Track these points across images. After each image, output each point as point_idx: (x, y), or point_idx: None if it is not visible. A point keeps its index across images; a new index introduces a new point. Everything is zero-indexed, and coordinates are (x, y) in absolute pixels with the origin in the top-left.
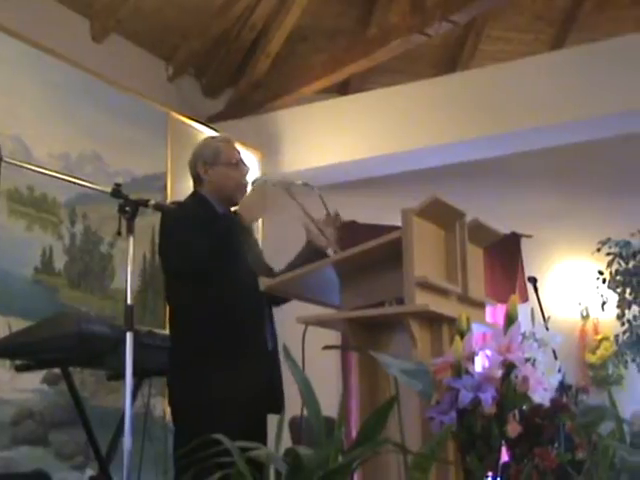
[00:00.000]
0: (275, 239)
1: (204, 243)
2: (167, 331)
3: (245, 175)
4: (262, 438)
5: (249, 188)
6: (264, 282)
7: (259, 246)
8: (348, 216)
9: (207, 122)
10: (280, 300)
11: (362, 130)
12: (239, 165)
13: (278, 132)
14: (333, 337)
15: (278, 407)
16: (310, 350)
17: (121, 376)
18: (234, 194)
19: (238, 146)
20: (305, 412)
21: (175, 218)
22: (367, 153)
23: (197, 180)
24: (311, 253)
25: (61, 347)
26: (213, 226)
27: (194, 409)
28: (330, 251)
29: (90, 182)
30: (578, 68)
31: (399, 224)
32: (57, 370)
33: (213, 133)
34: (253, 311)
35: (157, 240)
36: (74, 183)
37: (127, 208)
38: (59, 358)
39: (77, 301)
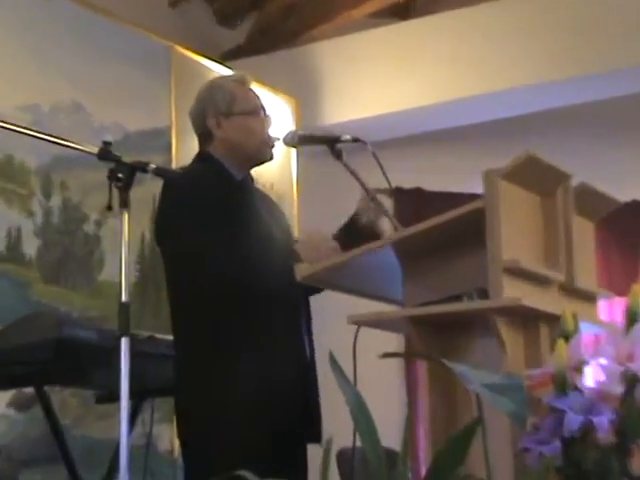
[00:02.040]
0: (312, 216)
1: (223, 252)
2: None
3: (268, 125)
4: (300, 476)
5: (277, 144)
6: (301, 270)
7: (286, 221)
8: (412, 182)
9: (222, 59)
10: (314, 289)
11: (429, 67)
12: (259, 112)
13: (317, 71)
14: (394, 342)
15: (317, 434)
16: (364, 359)
17: (114, 397)
18: (257, 152)
19: (257, 88)
20: (358, 441)
21: (183, 189)
22: (435, 98)
23: (205, 136)
24: (354, 233)
25: (34, 359)
26: (234, 208)
27: (209, 439)
28: (384, 228)
29: (69, 141)
30: None
31: (480, 191)
32: (29, 390)
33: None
34: (286, 308)
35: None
36: (49, 141)
37: (120, 174)
38: (32, 374)
39: (54, 299)
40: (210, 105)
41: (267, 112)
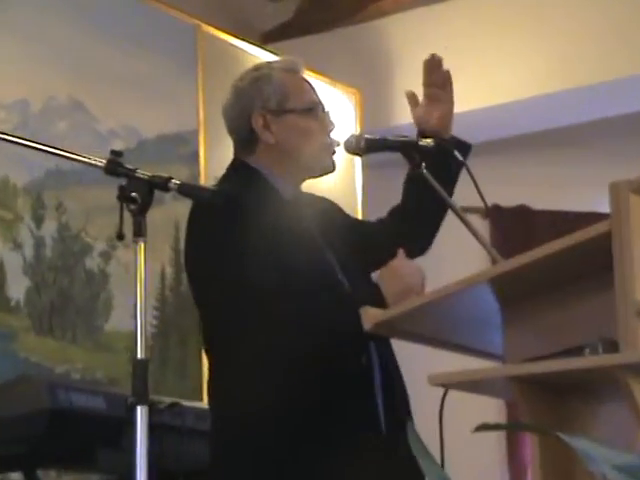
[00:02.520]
0: None
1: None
2: (206, 402)
3: (330, 127)
4: None
5: (338, 150)
6: (369, 315)
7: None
8: (513, 197)
9: (263, 41)
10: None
11: (537, 47)
12: (318, 109)
13: (385, 55)
14: (492, 409)
15: None
16: (453, 432)
17: None
18: (315, 161)
19: (309, 77)
20: None
21: (219, 215)
22: (544, 88)
23: (246, 141)
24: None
25: (22, 436)
26: (286, 241)
27: None
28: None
29: (67, 150)
30: None
31: (604, 209)
32: (16, 476)
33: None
34: (355, 366)
35: (184, 247)
36: (40, 151)
37: (133, 193)
38: (19, 455)
39: (48, 355)
40: (256, 100)
41: (326, 109)
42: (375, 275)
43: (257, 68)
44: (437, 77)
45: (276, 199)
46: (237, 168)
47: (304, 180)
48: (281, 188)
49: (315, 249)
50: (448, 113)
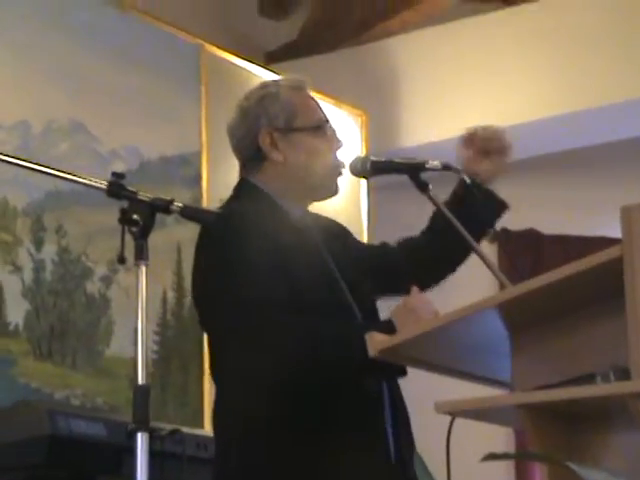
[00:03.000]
0: None
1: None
2: (209, 430)
3: (338, 145)
4: None
5: (344, 171)
6: (374, 341)
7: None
8: (522, 221)
9: (267, 61)
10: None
11: (545, 70)
12: (325, 128)
13: (391, 75)
14: (501, 438)
15: None
16: (461, 461)
17: None
18: (323, 181)
19: (315, 98)
20: None
21: (226, 239)
22: (551, 110)
23: (252, 161)
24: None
25: (22, 461)
26: (297, 265)
27: None
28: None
29: (68, 172)
30: None
31: (615, 234)
32: None
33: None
34: (363, 394)
35: (190, 272)
36: (41, 172)
37: (135, 216)
38: None
39: (47, 381)
40: (262, 118)
41: (333, 127)
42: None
43: (263, 86)
44: (497, 144)
45: (283, 219)
46: (243, 188)
47: (310, 202)
48: (288, 208)
49: (324, 270)
50: (495, 173)
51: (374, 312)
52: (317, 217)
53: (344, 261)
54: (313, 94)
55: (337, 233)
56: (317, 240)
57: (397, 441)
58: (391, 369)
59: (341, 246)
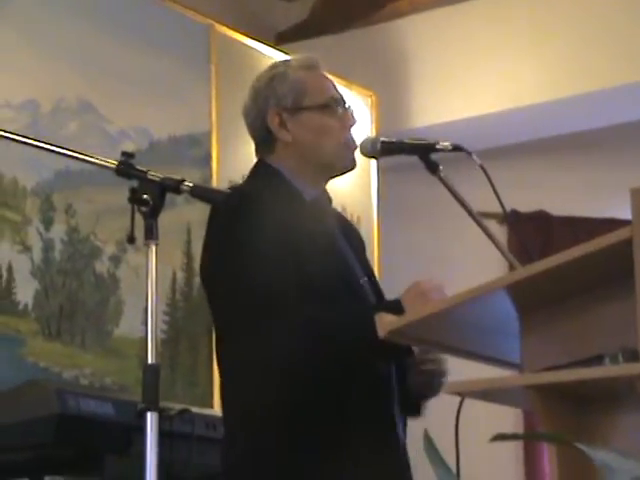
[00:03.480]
0: (397, 248)
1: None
2: (218, 410)
3: (350, 123)
4: None
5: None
6: (383, 322)
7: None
8: (531, 203)
9: (278, 42)
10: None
11: (554, 51)
12: (337, 106)
13: (402, 57)
14: (510, 419)
15: None
16: (470, 441)
17: None
18: (335, 158)
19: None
20: None
21: (237, 219)
22: (565, 91)
23: (265, 142)
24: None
25: (29, 442)
26: (307, 245)
27: None
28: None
29: (77, 151)
30: None
31: (624, 216)
32: None
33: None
34: (373, 376)
35: (200, 251)
36: (50, 151)
37: (145, 195)
38: (26, 461)
39: (56, 360)
40: (271, 99)
41: (347, 105)
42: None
43: (273, 67)
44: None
45: (296, 199)
46: (258, 169)
47: (326, 179)
48: (302, 188)
49: (335, 251)
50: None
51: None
52: (337, 212)
53: (358, 251)
54: (323, 69)
55: (356, 235)
56: (330, 221)
57: (404, 425)
58: (398, 350)
59: (357, 243)
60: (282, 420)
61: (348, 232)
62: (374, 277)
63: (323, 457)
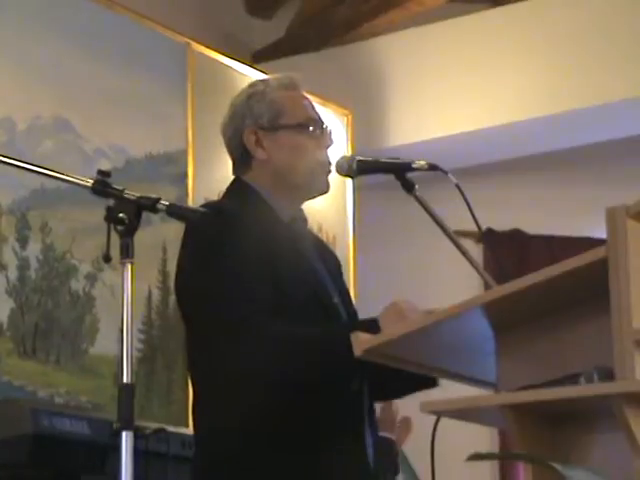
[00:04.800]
0: (373, 268)
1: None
2: (192, 428)
3: (326, 144)
4: None
5: (333, 170)
6: (359, 341)
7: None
8: (507, 222)
9: (254, 60)
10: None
11: (528, 70)
12: (313, 126)
13: (377, 75)
14: (485, 438)
15: None
16: (446, 461)
17: None
18: (309, 179)
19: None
20: None
21: (211, 238)
22: (535, 112)
23: (242, 161)
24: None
25: (5, 460)
26: (281, 266)
27: None
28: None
29: (53, 169)
30: None
31: (599, 235)
32: None
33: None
34: (344, 397)
35: (173, 269)
36: (26, 170)
37: (121, 214)
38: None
39: (31, 379)
40: (248, 117)
41: (325, 125)
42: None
43: (252, 85)
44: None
45: (272, 218)
46: (235, 187)
47: (302, 199)
48: (278, 207)
49: (309, 270)
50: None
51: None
52: (313, 233)
53: (333, 272)
54: (302, 88)
55: (332, 256)
56: (305, 241)
57: (373, 443)
58: (421, 380)
59: (333, 263)
60: (250, 434)
61: (324, 253)
62: (349, 298)
63: (288, 470)
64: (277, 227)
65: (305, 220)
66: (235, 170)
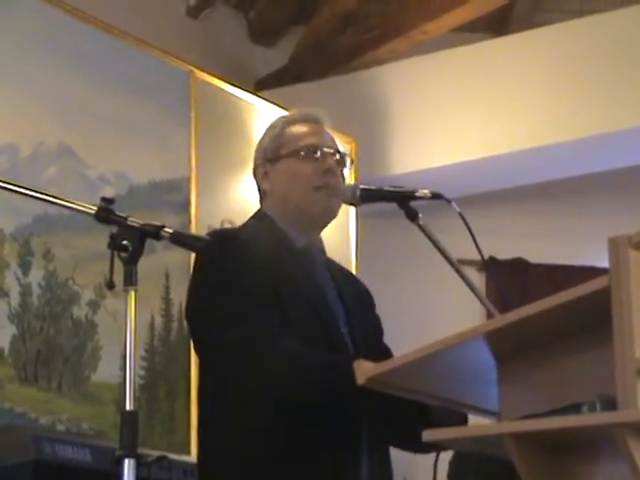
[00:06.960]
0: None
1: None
2: (196, 457)
3: (325, 167)
4: None
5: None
6: (362, 369)
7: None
8: (509, 250)
9: (258, 88)
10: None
11: (531, 99)
12: (312, 151)
13: (381, 103)
14: None
15: None
16: None
17: None
18: (306, 204)
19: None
20: None
21: (223, 264)
22: (538, 141)
23: (259, 191)
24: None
25: None
26: (292, 292)
27: None
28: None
29: (56, 196)
30: None
31: (602, 264)
32: None
33: (273, 109)
34: (342, 426)
35: (179, 296)
36: (29, 196)
37: (124, 241)
38: None
39: (33, 406)
40: (260, 153)
41: (326, 150)
42: None
43: (273, 122)
44: None
45: (283, 244)
46: (254, 215)
47: (311, 227)
48: (292, 235)
49: (317, 296)
50: None
51: (377, 344)
52: (337, 264)
53: (351, 302)
54: (315, 121)
55: (354, 288)
56: (318, 269)
57: (369, 471)
58: (453, 418)
59: (353, 295)
60: (251, 455)
61: (344, 284)
62: (369, 330)
63: None
64: (289, 253)
65: (322, 250)
66: (259, 202)
